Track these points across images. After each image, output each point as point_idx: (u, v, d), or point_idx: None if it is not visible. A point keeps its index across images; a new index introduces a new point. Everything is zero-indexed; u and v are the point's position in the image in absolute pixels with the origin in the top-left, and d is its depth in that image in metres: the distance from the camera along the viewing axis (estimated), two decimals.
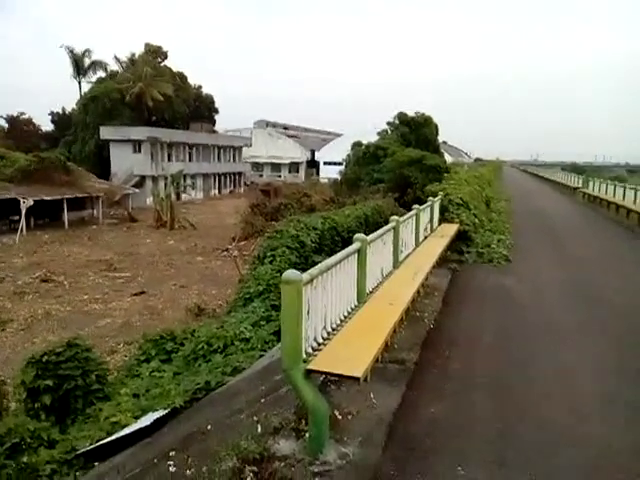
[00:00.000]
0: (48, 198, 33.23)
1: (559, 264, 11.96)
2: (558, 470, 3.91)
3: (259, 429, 4.33)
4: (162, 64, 61.67)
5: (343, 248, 5.49)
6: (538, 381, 5.49)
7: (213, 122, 71.06)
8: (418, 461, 3.97)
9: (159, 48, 61.70)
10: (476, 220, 13.69)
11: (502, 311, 8.21)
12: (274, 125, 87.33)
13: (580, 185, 33.57)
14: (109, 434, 6.62)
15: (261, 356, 8.21)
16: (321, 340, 4.44)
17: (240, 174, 69.60)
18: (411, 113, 32.12)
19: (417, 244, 9.89)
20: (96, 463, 6.10)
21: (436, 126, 32.34)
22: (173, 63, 65.79)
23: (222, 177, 64.39)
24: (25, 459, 5.86)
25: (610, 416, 4.74)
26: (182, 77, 64.08)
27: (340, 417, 4.41)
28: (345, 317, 5.18)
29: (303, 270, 4.12)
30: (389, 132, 32.45)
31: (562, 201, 30.16)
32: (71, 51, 59.06)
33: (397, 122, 32.21)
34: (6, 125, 60.94)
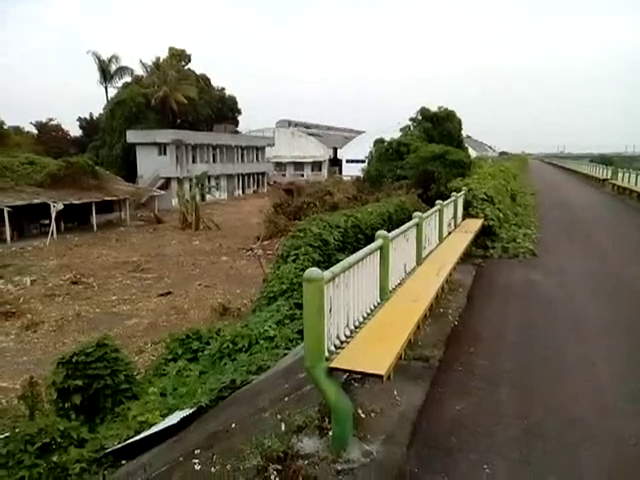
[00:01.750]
0: (77, 202, 33.99)
1: (587, 258, 11.67)
2: (585, 469, 3.82)
3: (283, 427, 4.34)
4: (186, 67, 62.48)
5: (366, 245, 5.46)
6: (565, 378, 5.37)
7: (236, 123, 71.66)
8: (443, 459, 3.92)
9: (183, 52, 62.46)
10: (501, 214, 13.46)
11: (528, 307, 8.06)
12: (296, 124, 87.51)
13: (609, 176, 32.72)
14: (137, 433, 6.74)
15: (285, 354, 8.24)
16: (343, 338, 4.43)
17: (263, 174, 70.00)
18: (434, 108, 31.79)
19: (441, 240, 9.78)
20: (124, 461, 6.20)
21: (459, 120, 31.92)
22: (196, 66, 66.71)
23: (246, 177, 64.86)
24: (55, 458, 5.98)
25: (638, 414, 4.60)
26: (205, 80, 64.79)
27: (363, 415, 4.39)
28: (368, 315, 5.15)
29: (326, 268, 4.11)
30: (412, 128, 32.19)
31: (590, 193, 29.45)
32: (98, 57, 60.26)
33: (420, 117, 31.90)
34: (36, 131, 62.52)
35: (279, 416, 4.60)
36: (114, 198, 38.42)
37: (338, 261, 4.64)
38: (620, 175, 29.25)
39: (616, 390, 5.11)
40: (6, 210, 29.39)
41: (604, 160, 63.54)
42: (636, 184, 25.05)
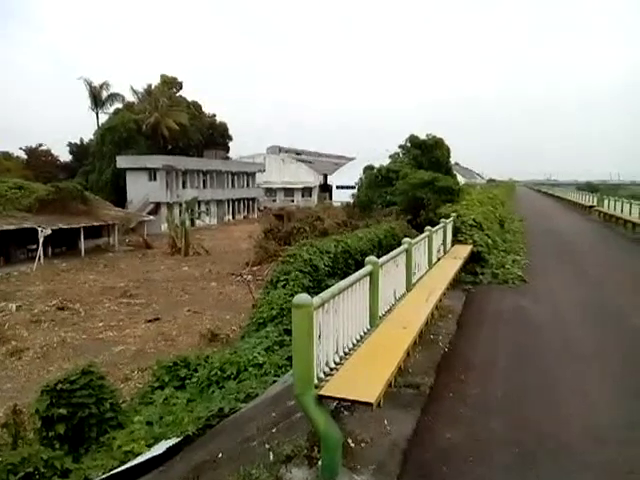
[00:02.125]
0: (65, 227, 33.75)
1: (575, 284, 11.76)
2: None
3: (271, 457, 4.25)
4: (177, 94, 63.05)
5: (356, 271, 5.46)
6: (556, 405, 5.35)
7: (227, 149, 72.15)
8: None
9: (174, 79, 63.19)
10: (489, 241, 13.57)
11: (518, 333, 8.06)
12: (287, 150, 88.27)
13: (595, 203, 33.23)
14: (122, 463, 6.57)
15: (274, 382, 8.14)
16: (333, 365, 4.39)
17: (254, 199, 70.21)
18: (423, 136, 32.24)
19: (430, 266, 9.81)
20: None
21: (448, 148, 32.35)
22: (188, 92, 67.31)
23: (236, 203, 64.99)
24: None
25: (631, 441, 4.57)
26: (197, 106, 65.42)
27: (353, 444, 4.31)
28: (357, 341, 5.12)
29: (316, 294, 4.10)
30: (401, 155, 32.54)
31: (577, 220, 29.85)
32: (89, 84, 60.72)
33: (409, 145, 32.29)
34: (25, 156, 62.43)
35: (267, 445, 4.51)
36: (103, 223, 38.22)
37: (328, 286, 4.64)
38: (606, 202, 29.72)
39: (608, 416, 5.08)
40: None
41: (590, 188, 64.60)
42: (622, 211, 25.45)
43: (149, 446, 6.86)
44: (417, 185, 23.57)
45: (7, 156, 61.95)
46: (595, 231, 24.05)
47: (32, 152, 62.12)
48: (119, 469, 6.30)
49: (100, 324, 19.39)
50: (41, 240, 31.47)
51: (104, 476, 6.30)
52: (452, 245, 12.71)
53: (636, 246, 18.57)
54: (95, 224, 36.98)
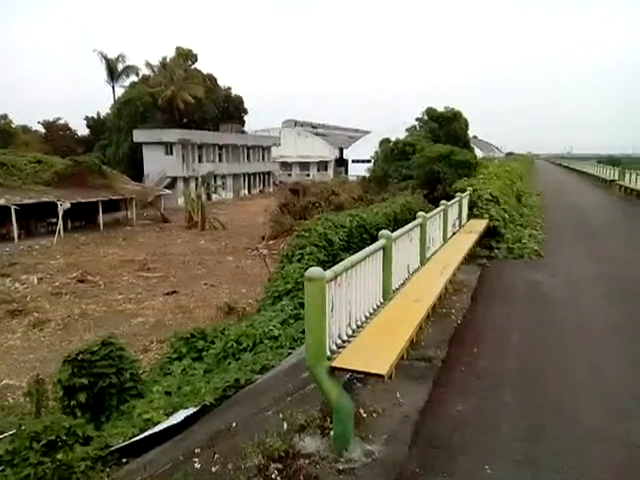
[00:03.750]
0: (84, 201, 34.18)
1: (592, 258, 11.61)
2: (590, 469, 3.81)
3: (285, 427, 4.35)
4: (192, 67, 62.59)
5: (372, 244, 5.46)
6: (569, 379, 5.35)
7: (242, 123, 71.77)
8: (444, 460, 3.92)
9: (189, 51, 62.60)
10: (506, 215, 13.42)
11: (533, 307, 8.03)
12: (302, 124, 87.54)
13: (616, 178, 32.51)
14: (142, 431, 6.77)
15: (289, 354, 8.27)
16: (345, 337, 4.43)
17: (269, 174, 70.13)
18: (440, 108, 31.75)
19: (445, 240, 9.76)
20: (129, 459, 6.24)
21: (466, 121, 31.87)
22: (203, 65, 66.81)
23: (251, 177, 65.00)
24: (60, 456, 6.01)
25: None
26: (212, 79, 64.93)
27: (365, 415, 4.39)
28: (370, 314, 5.15)
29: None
30: (418, 128, 32.17)
31: (596, 194, 29.30)
32: (104, 57, 60.56)
33: (426, 118, 31.90)
34: (43, 130, 62.92)
35: (281, 415, 4.61)
36: (121, 197, 38.62)
37: (343, 261, 4.65)
38: (627, 176, 29.04)
39: (623, 391, 5.08)
40: (13, 208, 29.58)
41: (612, 161, 63.13)
42: None
43: (168, 415, 7.06)
44: (434, 159, 23.28)
45: (26, 130, 62.49)
46: (615, 206, 23.62)
47: (50, 126, 62.58)
48: (139, 437, 6.51)
49: (119, 296, 19.78)
50: (60, 214, 31.94)
51: (124, 443, 6.52)
52: (468, 219, 12.60)
53: None
54: (113, 198, 37.38)
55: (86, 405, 8.13)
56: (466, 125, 31.95)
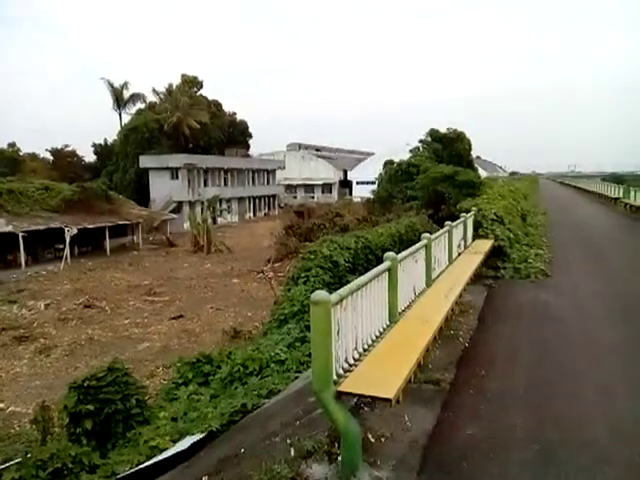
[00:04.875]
0: (91, 226, 34.43)
1: (599, 278, 11.54)
2: None
3: (292, 453, 4.31)
4: (198, 93, 63.60)
5: (377, 267, 5.47)
6: (578, 401, 5.29)
7: (247, 146, 72.57)
8: None
9: (195, 78, 63.70)
10: (511, 235, 13.41)
11: (540, 328, 7.97)
12: (306, 147, 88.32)
13: (621, 195, 32.47)
14: (148, 458, 6.70)
15: (296, 378, 8.20)
16: (352, 361, 4.42)
17: (274, 196, 70.53)
18: (443, 129, 32.01)
19: (450, 261, 9.76)
20: None
21: (469, 141, 32.08)
22: (208, 91, 67.89)
23: (257, 200, 65.39)
24: None
25: None
26: (217, 105, 65.92)
27: (373, 440, 4.35)
28: (377, 337, 5.14)
29: (337, 290, 4.13)
30: (421, 149, 32.37)
31: (601, 212, 29.23)
32: (111, 85, 61.67)
33: (429, 139, 32.13)
34: (51, 158, 63.78)
35: (289, 441, 4.58)
36: (127, 222, 38.89)
37: (349, 282, 4.66)
38: (632, 194, 29.02)
39: (631, 412, 5.01)
40: (21, 235, 29.82)
41: (616, 179, 63.12)
42: None
43: (174, 441, 6.99)
44: (438, 179, 23.39)
45: (33, 157, 63.40)
46: (620, 224, 23.54)
47: (58, 153, 63.49)
48: (145, 464, 6.44)
49: (126, 321, 19.77)
50: (68, 239, 32.16)
51: (131, 471, 6.45)
52: (473, 240, 12.60)
53: None
54: (120, 223, 37.64)
55: (92, 432, 8.05)
56: (469, 145, 32.14)
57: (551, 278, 11.46)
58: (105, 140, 65.85)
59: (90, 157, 66.76)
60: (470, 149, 32.45)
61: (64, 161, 62.43)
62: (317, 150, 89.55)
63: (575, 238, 18.26)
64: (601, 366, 6.29)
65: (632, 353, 6.75)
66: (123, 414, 8.28)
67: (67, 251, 32.26)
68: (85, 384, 8.20)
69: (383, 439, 4.40)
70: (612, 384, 5.72)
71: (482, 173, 40.04)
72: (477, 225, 13.11)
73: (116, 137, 61.97)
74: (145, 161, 51.92)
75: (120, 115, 63.62)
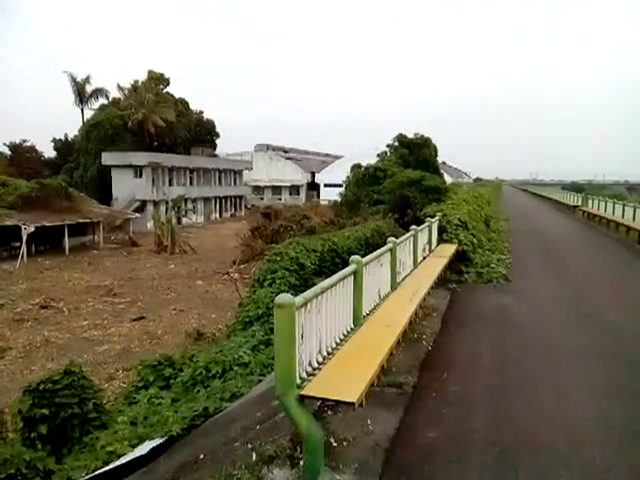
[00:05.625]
0: (49, 224, 33.35)
1: (559, 282, 11.90)
2: None
3: (253, 457, 4.25)
4: (164, 91, 62.53)
5: (343, 269, 5.46)
6: (536, 404, 5.40)
7: (214, 146, 71.74)
8: None
9: (161, 75, 62.60)
10: (475, 240, 13.66)
11: (501, 331, 8.13)
12: (274, 148, 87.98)
13: (579, 203, 33.61)
14: (105, 464, 6.52)
15: (260, 381, 8.13)
16: (316, 365, 4.39)
17: (241, 197, 69.97)
18: (411, 135, 32.37)
19: (415, 265, 9.85)
20: None
21: (435, 147, 32.55)
22: (175, 89, 66.78)
23: (223, 200, 64.72)
24: None
25: (608, 441, 4.63)
26: (184, 103, 64.93)
27: (336, 444, 4.33)
28: (341, 340, 5.13)
29: (303, 292, 4.10)
30: (388, 154, 32.67)
31: (561, 219, 30.15)
32: (73, 79, 59.93)
33: (396, 144, 32.43)
34: (9, 153, 61.54)
35: (250, 445, 4.51)
36: (87, 220, 37.83)
37: (315, 285, 4.64)
38: (590, 202, 30.10)
39: (586, 415, 5.14)
40: None
41: (575, 187, 65.32)
42: (605, 211, 25.80)
43: (133, 446, 6.82)
44: (404, 184, 23.62)
45: None
46: (579, 230, 24.33)
47: (16, 148, 61.21)
48: (102, 470, 6.26)
49: (84, 323, 19.22)
50: (24, 238, 31.08)
51: (87, 477, 6.25)
52: (438, 244, 12.78)
53: (617, 245, 18.82)
54: (80, 221, 36.58)
55: (47, 437, 7.78)
56: (435, 151, 32.62)
57: (512, 283, 11.73)
58: (66, 136, 63.99)
59: (50, 153, 64.72)
60: (436, 155, 32.93)
61: (22, 157, 60.21)
62: (285, 152, 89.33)
63: (536, 244, 18.76)
64: (558, 369, 6.45)
65: (587, 356, 6.96)
66: (80, 418, 8.03)
67: (23, 249, 31.16)
68: (40, 387, 7.93)
69: (345, 443, 4.38)
70: (569, 388, 5.86)
71: (447, 179, 40.67)
72: (442, 230, 13.30)
73: (77, 133, 60.25)
74: (107, 158, 50.64)
75: (82, 110, 61.81)
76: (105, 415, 8.47)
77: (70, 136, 63.07)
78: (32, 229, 31.40)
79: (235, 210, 67.57)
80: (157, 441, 6.44)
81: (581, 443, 4.57)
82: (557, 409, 5.30)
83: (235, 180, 69.05)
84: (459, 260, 12.40)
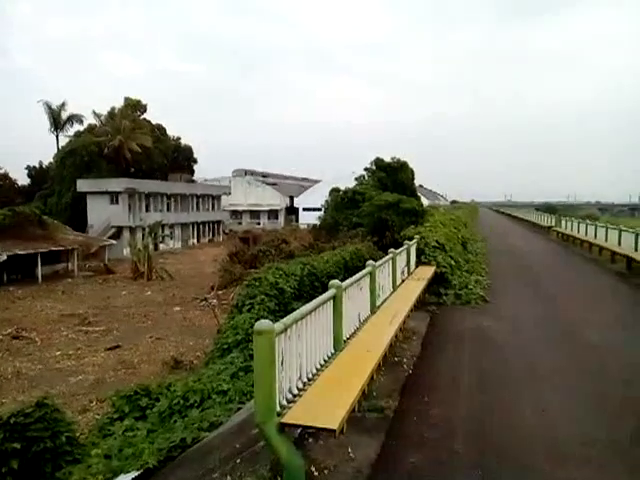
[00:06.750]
0: (22, 252, 32.63)
1: (535, 302, 12.06)
2: None
3: None
4: (141, 117, 62.48)
5: (323, 294, 5.44)
6: (518, 425, 5.39)
7: (192, 172, 71.67)
8: None
9: (138, 102, 62.68)
10: (452, 262, 13.77)
11: (481, 353, 8.15)
12: (252, 173, 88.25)
13: (553, 224, 34.33)
14: None
15: (239, 409, 7.96)
16: (296, 391, 4.33)
17: (219, 222, 69.65)
18: (388, 159, 32.83)
19: (394, 288, 9.88)
20: None
21: (412, 170, 33.03)
22: (152, 115, 66.85)
23: (201, 226, 64.32)
24: None
25: (591, 459, 4.63)
26: (161, 129, 64.99)
27: (317, 473, 4.24)
28: (321, 366, 5.07)
29: (282, 317, 4.06)
30: (366, 177, 33.03)
31: (536, 240, 30.69)
32: (49, 106, 59.57)
33: (374, 167, 32.84)
34: None
35: (229, 477, 4.39)
36: (61, 248, 37.11)
37: (294, 310, 4.60)
38: (563, 223, 30.76)
39: (568, 435, 5.15)
40: None
41: (548, 208, 66.78)
42: (578, 231, 26.36)
43: None
44: (382, 207, 23.88)
45: None
46: (553, 251, 24.76)
47: None
48: None
49: (57, 353, 18.68)
50: None
51: None
52: (416, 266, 12.85)
53: (591, 265, 19.19)
54: (53, 249, 35.86)
55: (19, 472, 7.48)
56: (412, 174, 33.09)
57: (490, 304, 11.82)
58: (40, 163, 63.28)
59: (24, 180, 63.76)
60: (413, 178, 33.41)
61: None
62: (264, 176, 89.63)
63: (512, 264, 19.02)
64: (538, 389, 6.47)
65: (566, 375, 7.01)
66: (52, 452, 7.75)
67: None
68: (11, 421, 7.64)
69: (327, 471, 4.29)
70: (550, 408, 5.87)
71: (424, 201, 41.23)
72: (420, 252, 13.39)
73: (52, 160, 59.63)
74: (83, 185, 50.05)
75: (57, 137, 61.36)
76: (78, 449, 8.18)
77: (45, 163, 62.40)
78: (4, 258, 30.69)
79: (213, 235, 67.17)
80: (132, 474, 6.23)
81: (563, 462, 4.56)
82: (538, 428, 5.29)
83: (213, 205, 68.82)
84: (437, 282, 12.47)
